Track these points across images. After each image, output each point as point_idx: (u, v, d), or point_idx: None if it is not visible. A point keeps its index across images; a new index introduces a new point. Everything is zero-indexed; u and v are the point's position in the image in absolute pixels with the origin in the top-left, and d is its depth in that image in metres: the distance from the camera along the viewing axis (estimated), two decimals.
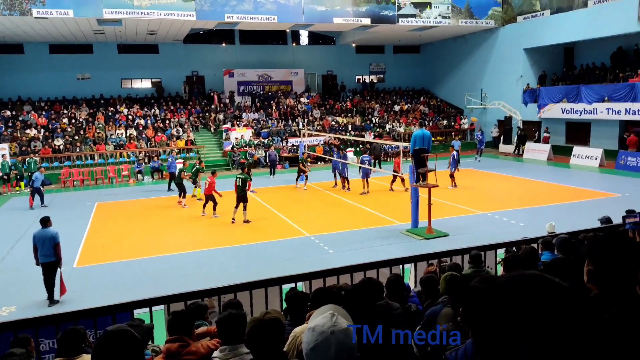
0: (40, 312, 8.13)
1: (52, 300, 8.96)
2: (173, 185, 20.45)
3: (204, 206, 15.58)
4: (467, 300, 1.37)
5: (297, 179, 19.89)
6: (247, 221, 14.34)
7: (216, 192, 15.19)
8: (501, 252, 6.75)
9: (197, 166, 19.08)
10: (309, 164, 21.29)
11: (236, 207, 14.46)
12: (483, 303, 1.21)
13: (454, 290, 3.47)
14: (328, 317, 1.82)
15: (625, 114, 22.77)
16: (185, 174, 18.01)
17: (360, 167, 18.37)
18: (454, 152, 19.64)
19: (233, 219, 14.45)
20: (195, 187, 18.71)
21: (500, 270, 6.46)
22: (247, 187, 14.61)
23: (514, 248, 6.32)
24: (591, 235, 6.06)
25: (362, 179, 18.20)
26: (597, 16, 24.11)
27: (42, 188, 18.01)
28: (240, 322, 3.10)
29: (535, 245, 6.17)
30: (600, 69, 26.70)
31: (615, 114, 23.32)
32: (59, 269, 9.05)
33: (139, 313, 5.17)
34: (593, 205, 14.87)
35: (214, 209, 15.22)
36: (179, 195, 17.40)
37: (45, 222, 9.13)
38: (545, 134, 27.86)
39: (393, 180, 18.42)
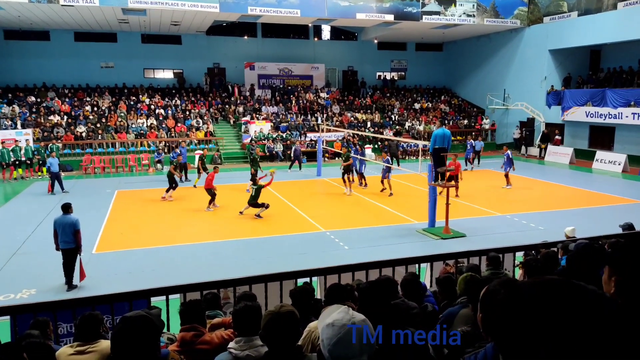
0: (58, 296, 8.31)
1: (70, 285, 9.08)
2: (189, 175, 20.73)
3: (210, 202, 15.47)
4: (488, 305, 1.34)
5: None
6: (258, 216, 14.31)
7: (213, 186, 15.35)
8: (519, 255, 6.66)
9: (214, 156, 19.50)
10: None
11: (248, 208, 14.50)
12: (506, 309, 1.19)
13: (473, 291, 3.42)
14: (345, 310, 1.87)
15: None
16: (174, 166, 17.46)
17: (384, 165, 17.62)
18: (508, 152, 19.11)
19: (241, 211, 14.54)
20: (199, 177, 19.11)
21: (518, 273, 6.37)
22: (258, 197, 14.40)
23: (533, 252, 6.22)
24: (613, 242, 5.93)
25: (386, 180, 17.53)
26: (626, 19, 23.56)
27: (60, 173, 18.25)
28: (256, 315, 3.11)
29: (555, 249, 6.06)
30: (627, 73, 26.13)
31: None
32: (78, 255, 9.15)
33: (156, 301, 5.22)
34: (615, 211, 14.58)
35: (210, 202, 15.36)
36: (166, 190, 16.96)
37: (66, 208, 9.22)
38: (557, 137, 27.67)
39: (456, 187, 15.62)
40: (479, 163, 25.06)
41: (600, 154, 24.46)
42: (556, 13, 28.06)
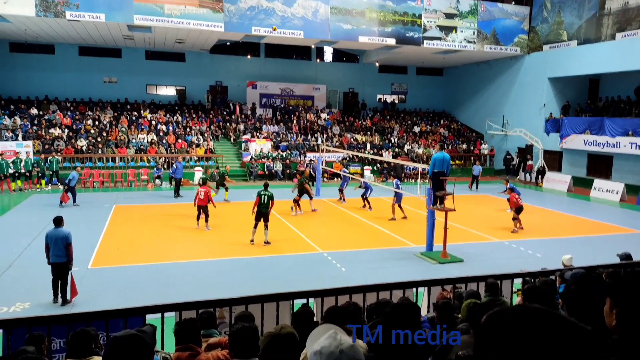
0: (53, 311, 8.24)
1: (65, 300, 8.98)
2: (182, 192, 20.74)
3: (198, 218, 15.15)
4: (477, 328, 1.35)
5: (296, 203, 17.73)
6: (267, 242, 13.40)
7: (212, 202, 15.17)
8: (517, 283, 6.65)
9: (223, 170, 20.52)
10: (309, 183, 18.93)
11: (255, 226, 13.49)
12: (483, 336, 1.19)
13: (475, 318, 3.41)
14: (332, 335, 1.77)
15: None
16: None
17: (395, 192, 17.15)
18: (509, 185, 19.20)
19: (252, 240, 13.45)
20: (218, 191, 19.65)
21: (515, 300, 6.36)
22: (271, 206, 13.61)
23: (531, 279, 6.21)
24: (611, 272, 5.93)
25: (395, 205, 17.13)
26: (625, 49, 23.92)
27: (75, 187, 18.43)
28: (253, 336, 3.09)
29: (553, 277, 6.06)
30: (626, 103, 26.40)
31: (639, 148, 22.97)
32: (69, 270, 9.00)
33: (151, 318, 5.19)
34: (612, 240, 14.57)
35: (207, 220, 15.02)
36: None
37: (58, 221, 9.11)
38: (529, 162, 28.62)
39: (516, 219, 16.02)
40: (477, 188, 25.12)
41: (598, 183, 24.55)
42: (556, 41, 28.47)
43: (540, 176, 27.68)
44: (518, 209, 15.78)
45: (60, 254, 8.90)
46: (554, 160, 28.40)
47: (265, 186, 14.10)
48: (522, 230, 15.87)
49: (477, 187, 25.11)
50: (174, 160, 25.09)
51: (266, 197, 13.44)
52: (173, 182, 21.63)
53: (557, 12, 28.38)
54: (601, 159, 26.10)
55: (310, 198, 18.27)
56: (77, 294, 9.05)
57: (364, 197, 19.06)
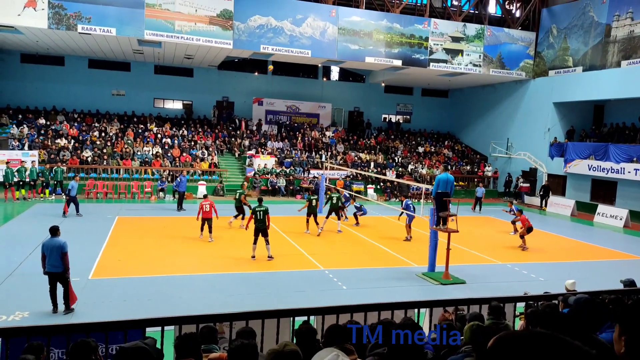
0: (52, 321, 8.22)
1: (67, 308, 8.98)
2: (185, 205, 20.75)
3: (202, 229, 15.49)
4: (484, 352, 1.36)
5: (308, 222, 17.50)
6: (270, 257, 13.35)
7: (216, 213, 15.51)
8: (520, 306, 6.60)
9: (242, 192, 18.21)
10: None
11: (255, 242, 13.39)
12: (495, 357, 1.20)
13: (478, 340, 3.39)
14: (334, 357, 1.75)
15: None
16: (244, 196, 17.84)
17: (405, 212, 17.03)
18: (513, 207, 20.07)
19: (253, 255, 13.40)
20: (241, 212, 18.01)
21: (518, 324, 6.30)
22: (268, 221, 13.49)
23: (534, 303, 6.16)
24: (614, 297, 5.89)
25: (406, 225, 17.08)
26: (630, 77, 24.06)
27: (77, 197, 18.46)
28: (252, 353, 3.07)
29: (556, 302, 6.01)
30: (630, 129, 26.44)
31: None
32: (68, 278, 9.01)
33: (150, 331, 5.16)
34: (616, 266, 14.48)
35: (210, 232, 15.33)
36: (240, 217, 17.74)
37: (54, 231, 9.12)
38: (522, 184, 29.13)
39: (523, 237, 16.66)
40: (480, 209, 25.06)
41: (602, 208, 24.47)
42: (561, 67, 28.66)
43: (544, 200, 27.61)
44: (529, 229, 16.46)
45: (56, 264, 8.90)
46: (558, 184, 28.36)
47: (260, 201, 14.07)
48: (526, 253, 15.81)
49: (480, 209, 25.05)
50: (179, 174, 25.21)
51: (261, 212, 13.35)
52: (176, 195, 21.65)
53: (563, 39, 28.63)
54: (605, 184, 26.05)
55: (339, 217, 18.33)
56: (76, 299, 9.04)
57: (356, 215, 19.46)
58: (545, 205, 27.30)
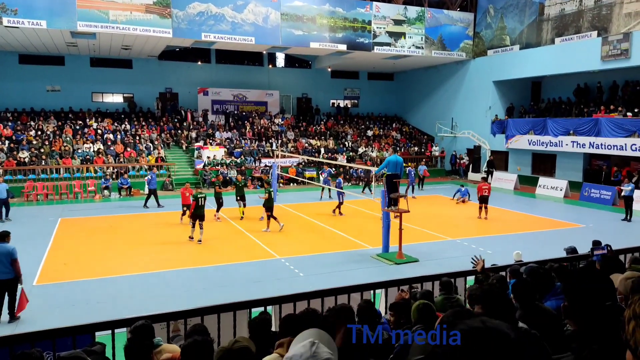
0: None
1: (12, 317, 8.61)
2: (150, 202, 20.14)
3: (183, 215, 16.77)
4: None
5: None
6: (200, 241, 14.23)
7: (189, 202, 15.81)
8: (471, 279, 6.80)
9: (217, 182, 19.60)
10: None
11: (193, 225, 14.45)
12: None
13: (427, 319, 3.44)
14: (307, 345, 1.66)
15: (589, 147, 23.61)
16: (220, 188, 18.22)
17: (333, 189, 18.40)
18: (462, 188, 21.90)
19: (191, 236, 14.51)
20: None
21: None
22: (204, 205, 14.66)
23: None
24: (557, 266, 6.17)
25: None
26: (563, 53, 25.15)
27: (8, 200, 17.44)
28: (207, 351, 2.99)
29: (503, 273, 6.23)
30: (566, 104, 27.71)
31: (580, 147, 24.15)
32: (19, 285, 8.70)
33: (100, 335, 4.97)
34: (558, 235, 15.22)
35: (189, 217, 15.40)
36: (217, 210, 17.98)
37: (3, 237, 8.75)
38: (462, 161, 31.02)
39: (481, 208, 18.31)
40: (421, 188, 25.73)
41: (542, 180, 25.61)
42: (499, 46, 29.59)
43: (490, 176, 28.59)
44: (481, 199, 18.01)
45: (5, 270, 8.54)
46: (501, 160, 29.44)
47: (267, 184, 16.97)
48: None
49: (421, 187, 25.80)
50: (125, 171, 24.49)
51: (203, 199, 14.52)
52: (123, 193, 21.61)
53: (500, 18, 29.52)
54: (545, 157, 27.27)
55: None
56: (27, 302, 8.65)
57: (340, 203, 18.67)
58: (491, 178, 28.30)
